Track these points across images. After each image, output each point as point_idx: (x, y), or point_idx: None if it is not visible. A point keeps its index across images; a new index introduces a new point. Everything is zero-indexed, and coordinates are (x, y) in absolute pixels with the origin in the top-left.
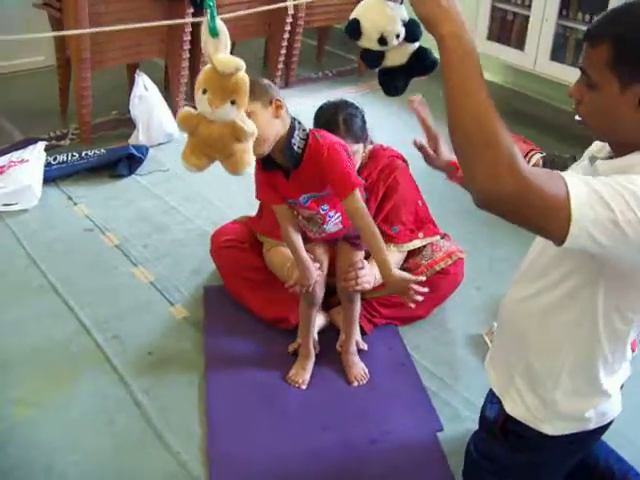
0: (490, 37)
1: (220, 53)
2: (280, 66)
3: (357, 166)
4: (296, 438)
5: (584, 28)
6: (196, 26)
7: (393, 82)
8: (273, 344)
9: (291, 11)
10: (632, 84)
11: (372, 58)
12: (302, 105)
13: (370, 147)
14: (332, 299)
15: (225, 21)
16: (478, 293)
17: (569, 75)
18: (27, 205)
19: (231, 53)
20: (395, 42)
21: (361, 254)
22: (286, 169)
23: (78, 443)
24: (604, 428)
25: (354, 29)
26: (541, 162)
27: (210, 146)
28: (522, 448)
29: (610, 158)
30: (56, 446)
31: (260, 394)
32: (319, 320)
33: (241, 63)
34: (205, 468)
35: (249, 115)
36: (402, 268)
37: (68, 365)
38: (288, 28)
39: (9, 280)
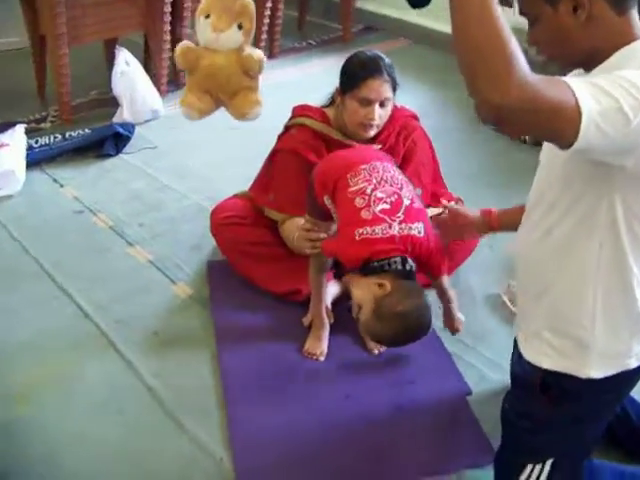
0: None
1: None
2: (264, 36)
3: (388, 115)
4: (318, 410)
5: None
6: None
7: None
8: (284, 317)
9: None
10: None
11: None
12: (289, 75)
13: None
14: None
15: None
16: (491, 252)
17: None
18: (11, 191)
19: None
20: None
21: None
22: None
23: (86, 435)
24: None
25: None
26: None
27: (213, 80)
28: (562, 401)
29: None
30: (61, 440)
31: (277, 368)
32: (332, 289)
33: None
34: (227, 449)
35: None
36: None
37: (70, 353)
38: None
39: None
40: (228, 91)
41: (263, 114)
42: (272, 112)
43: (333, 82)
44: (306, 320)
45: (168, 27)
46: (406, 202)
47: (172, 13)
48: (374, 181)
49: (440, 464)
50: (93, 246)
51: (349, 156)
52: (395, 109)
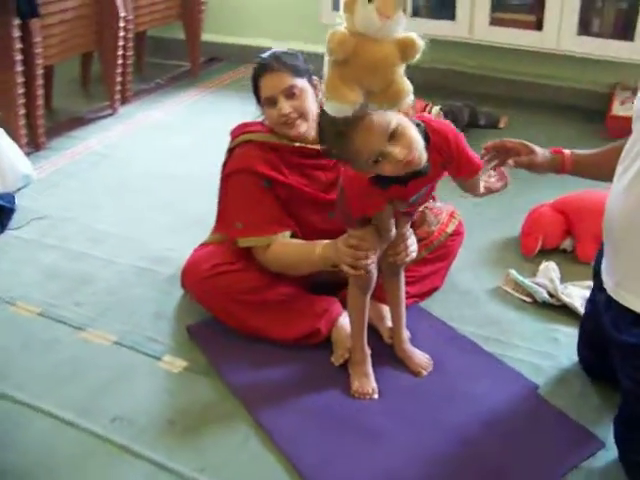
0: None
1: None
2: (118, 79)
3: (311, 105)
4: (412, 449)
5: None
6: (27, 41)
7: None
8: (307, 363)
9: (123, 13)
10: None
11: None
12: (152, 118)
13: None
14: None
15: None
16: (470, 246)
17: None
18: None
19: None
20: None
21: (409, 223)
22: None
23: None
24: None
25: None
26: (442, 113)
27: (374, 72)
28: None
29: None
30: None
31: (336, 421)
32: (347, 320)
33: None
34: None
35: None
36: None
37: (73, 476)
38: (122, 34)
39: None
40: (384, 83)
41: (148, 157)
42: (154, 155)
43: (199, 115)
44: (337, 358)
45: (22, 78)
46: None
47: (24, 61)
48: None
49: (554, 469)
50: (31, 341)
51: None
52: None
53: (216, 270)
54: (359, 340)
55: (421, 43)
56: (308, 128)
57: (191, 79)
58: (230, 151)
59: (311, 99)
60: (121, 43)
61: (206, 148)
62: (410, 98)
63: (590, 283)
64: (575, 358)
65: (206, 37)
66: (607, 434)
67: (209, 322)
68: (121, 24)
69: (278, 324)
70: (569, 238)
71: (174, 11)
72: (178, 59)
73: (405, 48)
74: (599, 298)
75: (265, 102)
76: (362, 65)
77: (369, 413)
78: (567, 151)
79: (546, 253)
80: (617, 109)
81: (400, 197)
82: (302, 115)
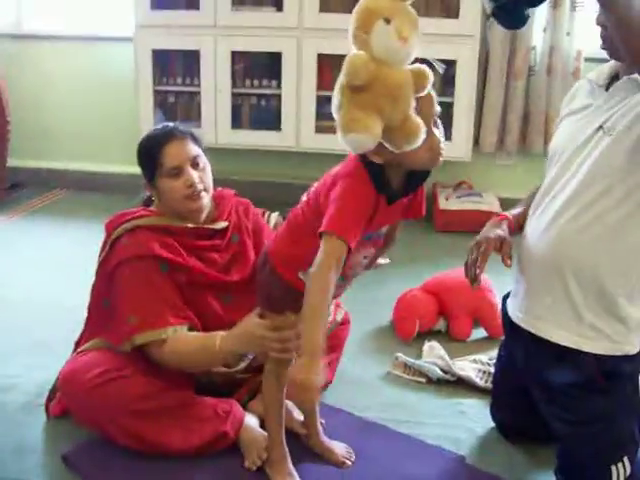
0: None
1: None
2: None
3: (210, 176)
4: None
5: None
6: None
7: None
8: (216, 475)
9: None
10: None
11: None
12: None
13: None
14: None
15: None
16: (348, 338)
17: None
18: None
19: None
20: None
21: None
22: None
23: None
24: None
25: None
26: (281, 219)
27: (393, 100)
28: (617, 384)
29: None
30: None
31: None
32: (252, 420)
33: None
34: None
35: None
36: None
37: None
38: None
39: None
40: (402, 114)
41: None
42: None
43: (6, 244)
44: (254, 461)
45: None
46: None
47: None
48: None
49: None
50: None
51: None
52: (219, 190)
53: (103, 378)
54: (278, 436)
55: (431, 74)
56: (207, 203)
57: None
58: (112, 244)
59: (209, 173)
60: None
61: (20, 273)
62: (424, 137)
63: (474, 357)
64: (487, 425)
65: (9, 162)
66: None
67: (90, 445)
68: None
69: (178, 432)
70: (442, 319)
71: None
72: None
73: (418, 78)
74: (515, 350)
75: (168, 173)
76: (383, 92)
77: None
78: (508, 214)
79: (422, 335)
80: (444, 204)
81: (375, 227)
82: (206, 188)
